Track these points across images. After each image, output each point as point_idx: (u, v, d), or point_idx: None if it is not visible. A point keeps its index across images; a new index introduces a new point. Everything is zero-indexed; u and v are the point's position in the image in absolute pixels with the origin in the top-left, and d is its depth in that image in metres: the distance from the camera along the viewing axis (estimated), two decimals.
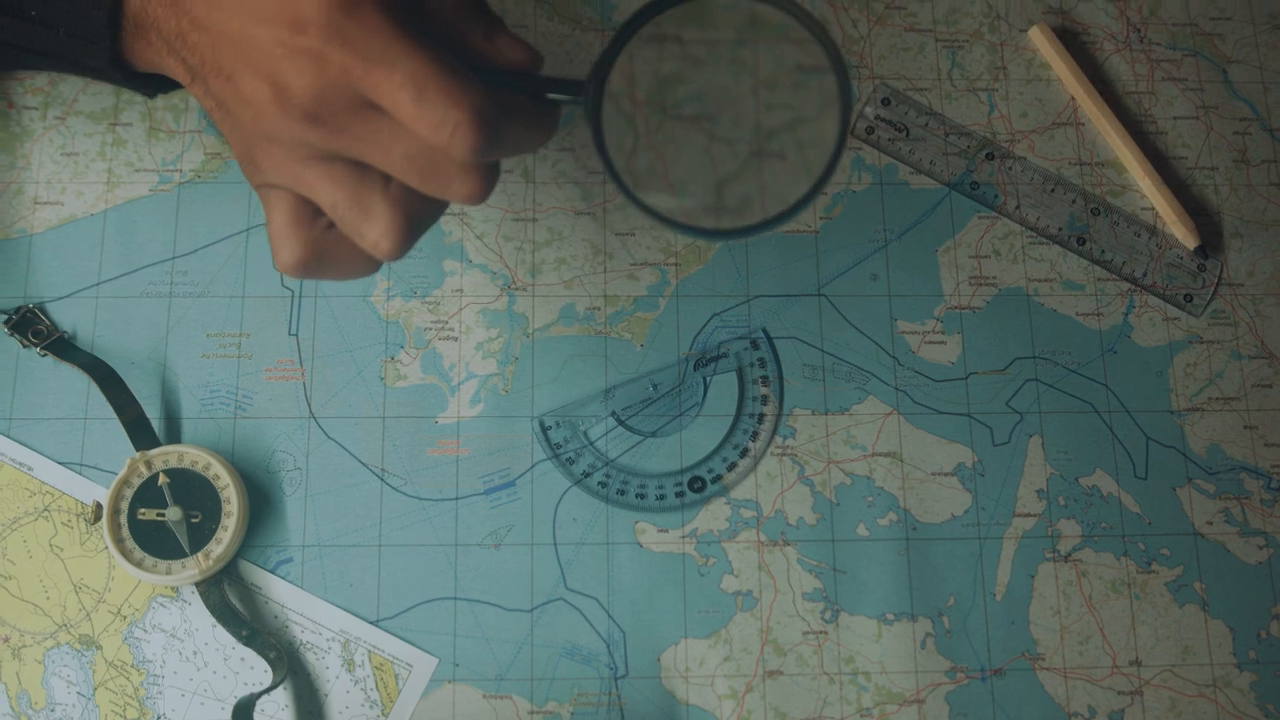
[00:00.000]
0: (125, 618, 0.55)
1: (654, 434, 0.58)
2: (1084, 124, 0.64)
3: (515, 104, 0.40)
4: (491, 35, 0.41)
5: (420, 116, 0.37)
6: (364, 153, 0.39)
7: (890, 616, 0.57)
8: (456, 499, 0.57)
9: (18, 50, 0.50)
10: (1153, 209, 0.62)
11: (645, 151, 0.42)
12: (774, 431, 0.59)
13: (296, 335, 0.59)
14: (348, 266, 0.43)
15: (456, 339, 0.59)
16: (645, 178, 0.41)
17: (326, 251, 0.42)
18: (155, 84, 0.56)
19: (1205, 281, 0.62)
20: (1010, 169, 0.63)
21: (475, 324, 0.60)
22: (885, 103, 0.63)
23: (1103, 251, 0.62)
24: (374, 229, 0.40)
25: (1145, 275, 0.61)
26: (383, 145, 0.38)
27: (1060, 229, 0.62)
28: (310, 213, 0.42)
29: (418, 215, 0.41)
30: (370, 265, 0.43)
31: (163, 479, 0.55)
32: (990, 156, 0.63)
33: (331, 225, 0.42)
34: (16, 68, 0.60)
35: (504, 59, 0.41)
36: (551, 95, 0.40)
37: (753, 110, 0.42)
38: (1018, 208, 0.62)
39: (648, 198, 0.40)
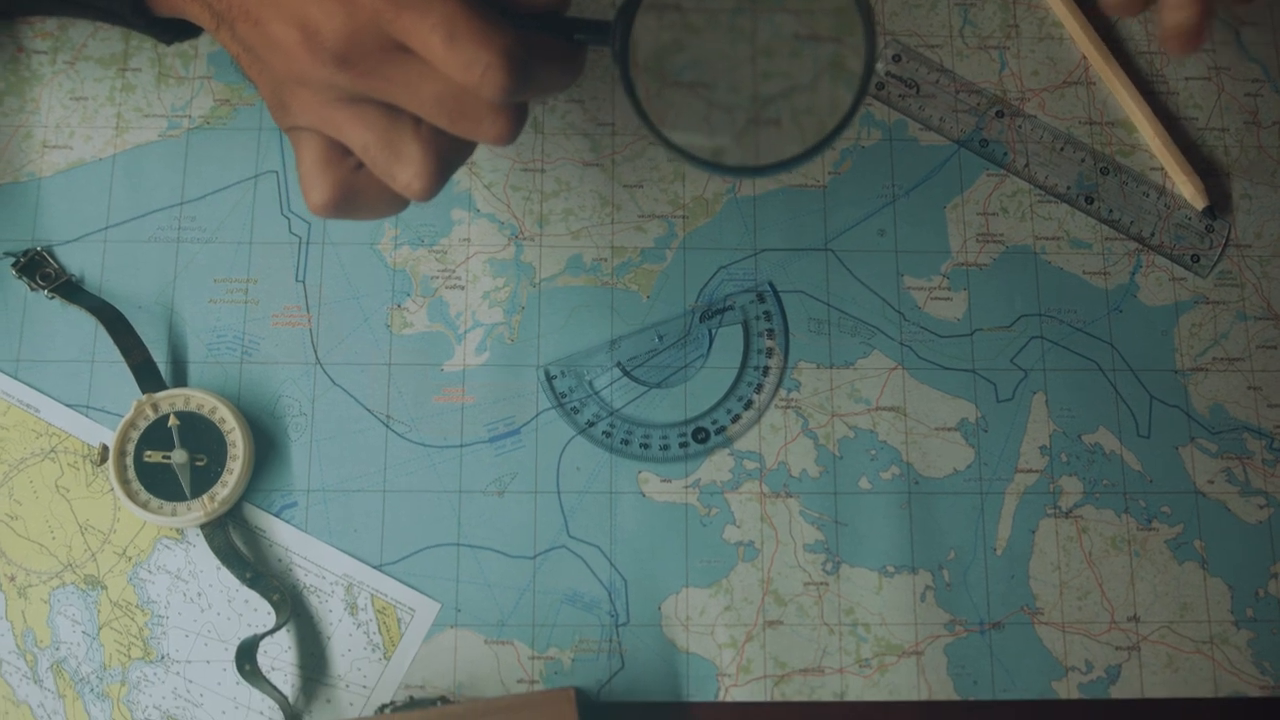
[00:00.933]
0: (130, 559, 0.56)
1: (659, 385, 0.59)
2: (1095, 83, 0.64)
3: (543, 45, 0.40)
4: None
5: (452, 59, 0.37)
6: (394, 95, 0.39)
7: (891, 569, 0.57)
8: (461, 446, 0.58)
9: None
10: (1162, 169, 0.62)
11: (672, 89, 0.42)
12: (778, 384, 0.59)
13: (304, 281, 0.59)
14: (377, 206, 0.43)
15: (463, 288, 0.60)
16: (671, 115, 0.41)
17: (356, 191, 0.43)
18: (173, 30, 0.56)
19: (1213, 243, 0.62)
20: (1020, 127, 0.62)
21: (482, 273, 0.60)
22: (896, 59, 0.63)
23: (1110, 210, 0.61)
24: (406, 170, 0.41)
25: (1153, 235, 0.61)
26: (413, 87, 0.39)
27: (1069, 188, 0.62)
28: (339, 153, 0.42)
29: (448, 156, 0.41)
30: (399, 204, 0.44)
31: (173, 420, 0.56)
32: (1000, 114, 0.63)
33: (360, 165, 0.42)
34: (37, 12, 0.60)
35: (531, 1, 0.41)
36: (578, 36, 0.40)
37: (784, 50, 0.42)
38: (1026, 165, 0.62)
39: (674, 135, 0.40)
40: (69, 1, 0.54)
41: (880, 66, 0.62)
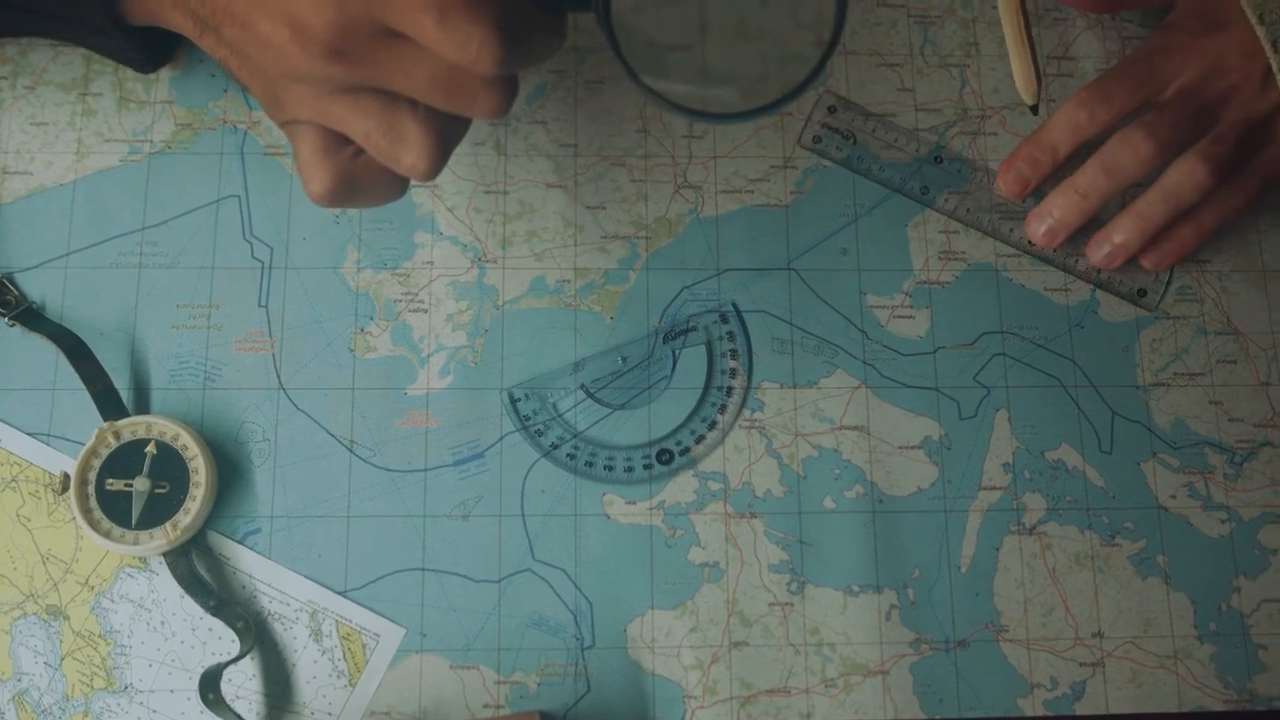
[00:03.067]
0: (93, 588, 0.55)
1: (623, 406, 0.59)
2: (1054, 100, 0.64)
3: (529, 14, 0.40)
4: None
5: (445, 39, 0.37)
6: (388, 80, 0.39)
7: (855, 588, 0.57)
8: (425, 470, 0.57)
9: (9, 9, 0.50)
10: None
11: (655, 42, 0.42)
12: (742, 404, 0.59)
13: (266, 306, 0.59)
14: (377, 191, 0.44)
15: (426, 311, 0.59)
16: (655, 66, 0.41)
17: (356, 178, 0.43)
18: (150, 51, 0.56)
19: (1158, 276, 0.62)
20: (959, 170, 0.62)
21: (445, 296, 0.60)
22: (832, 110, 0.62)
23: (1055, 251, 0.61)
24: (410, 153, 0.41)
25: (1099, 272, 0.61)
26: (406, 71, 0.39)
27: (1022, 237, 0.62)
28: (337, 141, 0.42)
29: (447, 134, 0.42)
30: (399, 189, 0.44)
31: (151, 448, 0.55)
32: (938, 160, 0.62)
33: (359, 152, 0.43)
34: (7, 33, 0.60)
35: None
36: (562, 3, 0.41)
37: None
38: (968, 211, 0.62)
39: (659, 84, 0.40)
40: (42, 16, 0.54)
41: (816, 119, 0.62)
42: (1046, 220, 0.60)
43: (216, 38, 0.42)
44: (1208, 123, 0.58)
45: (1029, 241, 0.61)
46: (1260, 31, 0.56)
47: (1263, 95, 0.58)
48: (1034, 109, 0.59)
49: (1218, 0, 0.60)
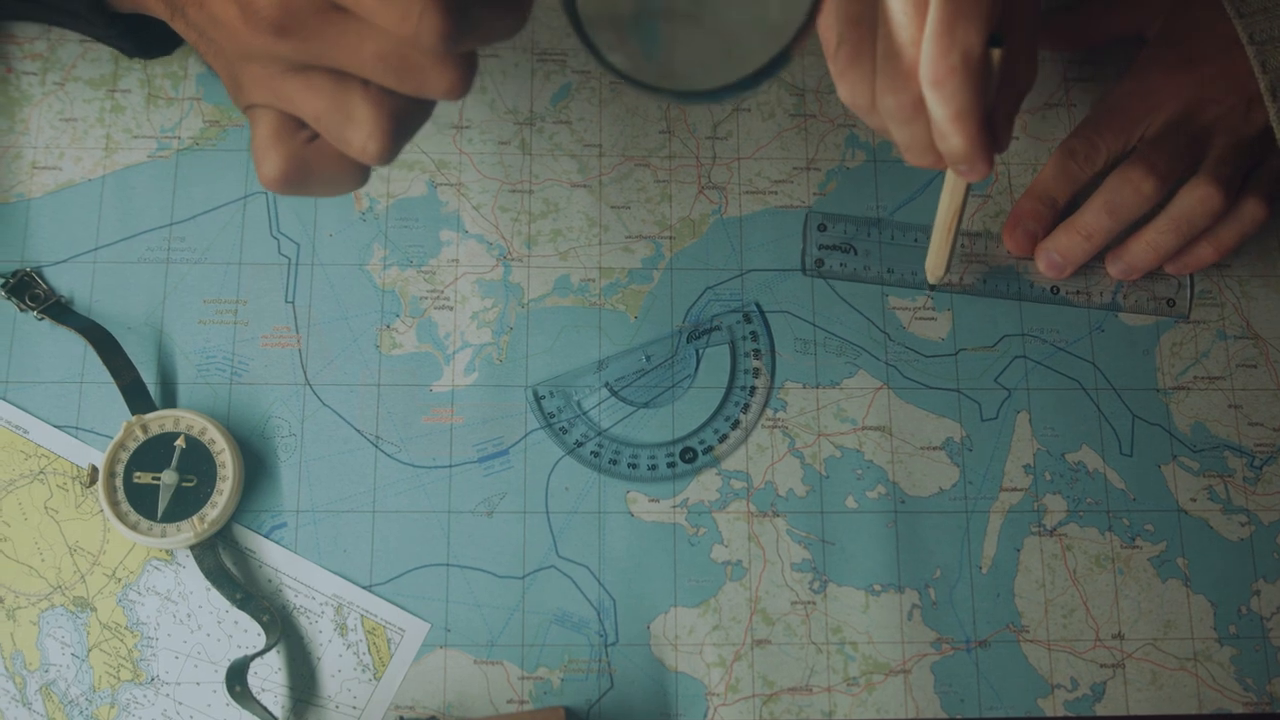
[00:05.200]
0: (120, 580, 0.56)
1: (646, 405, 0.59)
2: (1075, 105, 0.65)
3: None
4: None
5: (384, 8, 0.36)
6: (336, 58, 0.38)
7: (877, 588, 0.57)
8: (450, 466, 0.58)
9: None
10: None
11: (624, 19, 0.40)
12: (765, 404, 0.59)
13: (293, 302, 0.60)
14: (333, 178, 0.43)
15: (452, 308, 0.60)
16: (621, 46, 0.40)
17: (309, 163, 0.42)
18: (138, 38, 0.56)
19: (1181, 283, 0.62)
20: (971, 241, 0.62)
21: (471, 294, 0.60)
22: (821, 229, 0.62)
23: (1076, 292, 0.62)
24: (359, 133, 0.40)
25: (1122, 298, 0.62)
26: (353, 48, 0.38)
27: (1036, 287, 0.62)
28: (293, 127, 0.41)
29: (402, 116, 0.40)
30: (356, 177, 0.43)
31: (180, 442, 0.56)
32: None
33: (314, 137, 0.41)
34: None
35: None
36: None
37: None
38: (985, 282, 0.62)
39: (622, 63, 0.39)
40: (29, 1, 0.54)
41: (813, 243, 0.61)
42: (1052, 256, 0.60)
43: (185, 20, 0.42)
44: (1201, 151, 0.59)
45: (1032, 284, 0.61)
46: (1251, 51, 0.57)
47: (1248, 119, 0.59)
48: (932, 287, 0.61)
49: (1188, 37, 0.60)
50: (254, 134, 0.42)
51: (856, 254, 0.61)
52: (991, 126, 0.45)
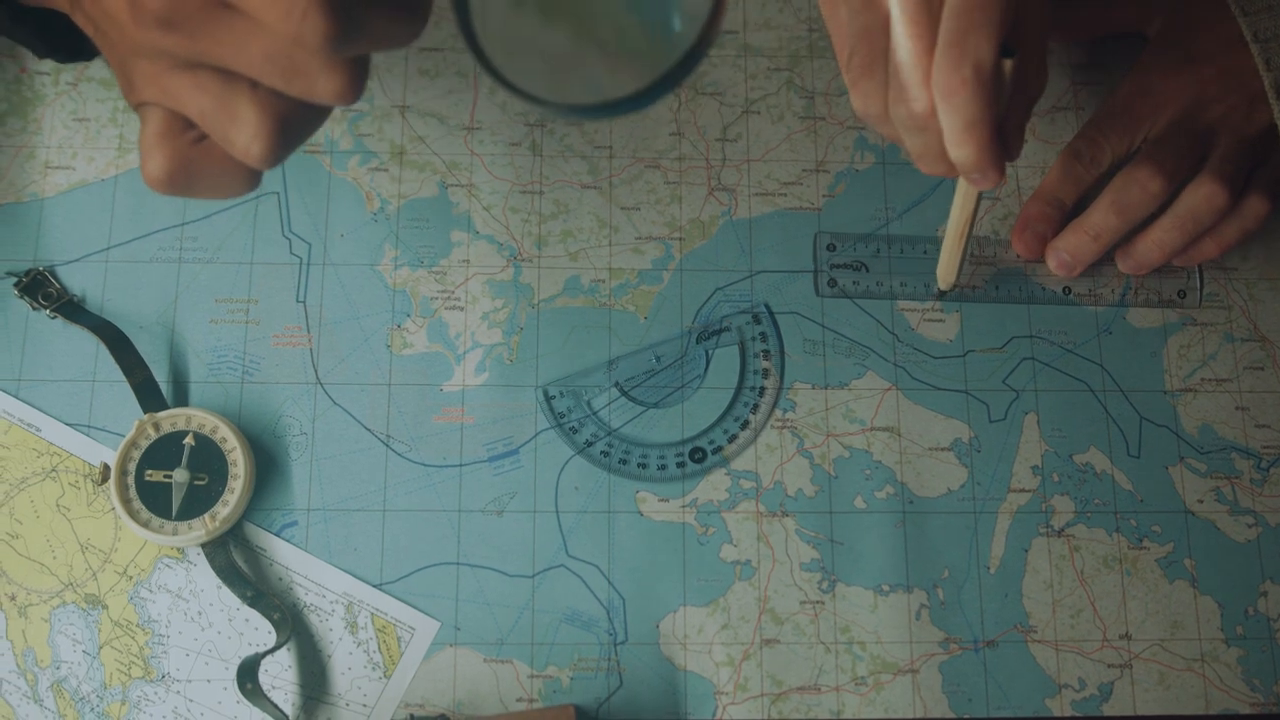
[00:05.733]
0: (131, 578, 0.56)
1: (656, 405, 0.59)
2: (1083, 108, 0.65)
3: None
4: None
5: (268, 6, 0.36)
6: (223, 56, 0.38)
7: (886, 588, 0.58)
8: (460, 466, 0.58)
9: None
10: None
11: (518, 30, 0.40)
12: (774, 404, 0.60)
13: (304, 302, 0.60)
14: (219, 180, 0.42)
15: (462, 308, 0.60)
16: (514, 56, 0.39)
17: (194, 163, 0.41)
18: (53, 37, 0.55)
19: (1190, 274, 0.63)
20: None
21: (481, 294, 0.60)
22: (830, 248, 0.62)
23: (1088, 290, 0.62)
24: (243, 133, 0.39)
25: (1130, 294, 0.62)
26: (240, 46, 0.37)
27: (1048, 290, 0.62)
28: (180, 126, 0.41)
29: (289, 119, 0.40)
30: (245, 182, 0.42)
31: (190, 440, 0.56)
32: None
33: (201, 138, 0.41)
34: None
35: None
36: None
37: None
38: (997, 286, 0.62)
39: (520, 78, 0.38)
40: None
41: (825, 263, 0.61)
42: (1062, 256, 0.60)
43: (83, 13, 0.41)
44: (1205, 150, 0.59)
45: (1046, 287, 0.61)
46: (1255, 49, 0.57)
47: (1251, 118, 0.59)
48: (942, 294, 0.61)
49: (1190, 36, 0.61)
50: (142, 131, 0.41)
51: (869, 271, 0.61)
52: (1003, 136, 0.45)
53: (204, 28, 0.37)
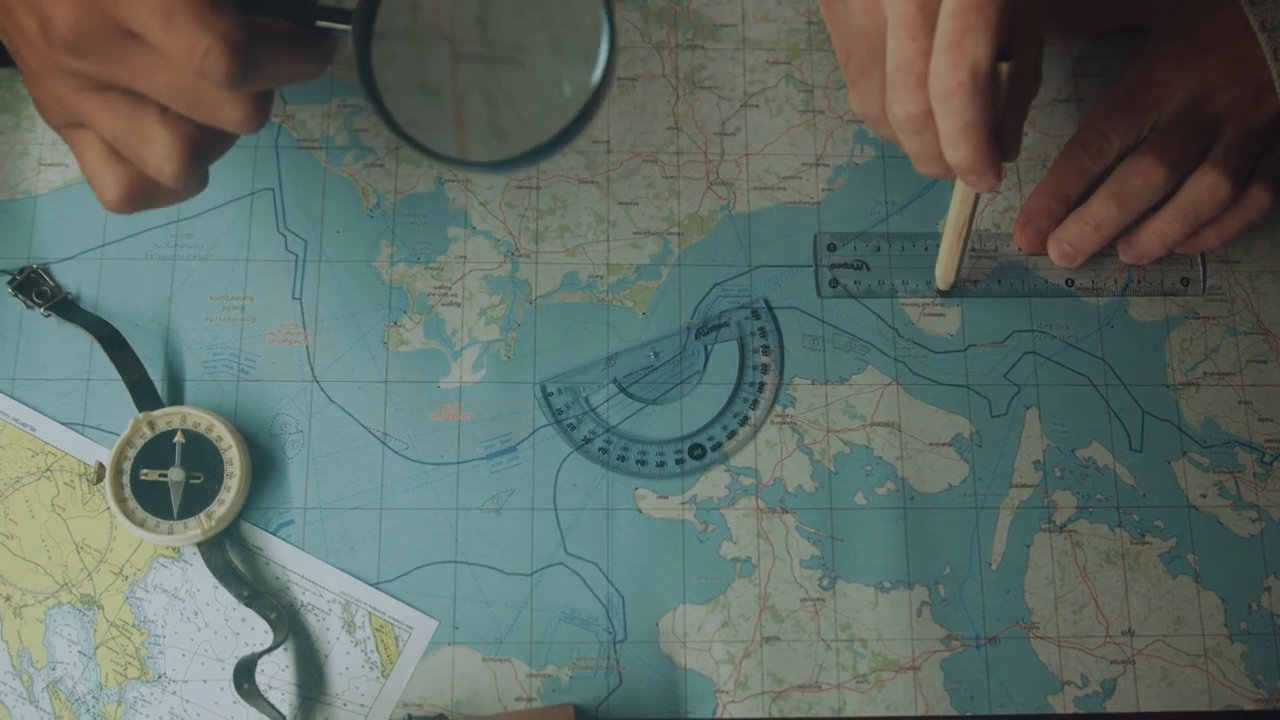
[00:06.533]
0: (127, 578, 0.56)
1: (655, 401, 0.59)
2: (1084, 100, 0.64)
3: (280, 31, 0.40)
4: None
5: (170, 42, 0.37)
6: (131, 80, 0.39)
7: (887, 584, 0.57)
8: (458, 463, 0.58)
9: None
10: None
11: (417, 84, 0.41)
12: (774, 400, 0.59)
13: (300, 299, 0.59)
14: (171, 192, 0.43)
15: (459, 305, 0.60)
16: (409, 107, 0.41)
17: (146, 180, 0.42)
18: None
19: (1192, 261, 0.62)
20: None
21: (478, 290, 0.60)
22: (831, 248, 0.61)
23: (1091, 280, 0.62)
24: (154, 155, 0.40)
25: (1133, 284, 0.62)
26: (146, 73, 0.38)
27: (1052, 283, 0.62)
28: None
29: (200, 141, 0.41)
30: (198, 185, 0.43)
31: (179, 438, 0.56)
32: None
33: None
34: None
35: None
36: (320, 22, 0.40)
37: (529, 46, 0.42)
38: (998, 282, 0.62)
39: (420, 133, 0.40)
40: None
41: (825, 263, 0.61)
42: (1063, 246, 0.60)
43: (3, 31, 0.42)
44: (1209, 140, 0.58)
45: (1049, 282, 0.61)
46: (1263, 39, 0.57)
47: (1257, 108, 0.58)
48: (943, 292, 0.61)
49: (1197, 26, 0.60)
50: (82, 158, 0.42)
51: (869, 270, 0.61)
52: (1000, 138, 0.45)
53: (113, 55, 0.38)
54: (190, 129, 0.40)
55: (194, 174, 0.41)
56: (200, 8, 0.37)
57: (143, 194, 0.42)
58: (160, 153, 0.40)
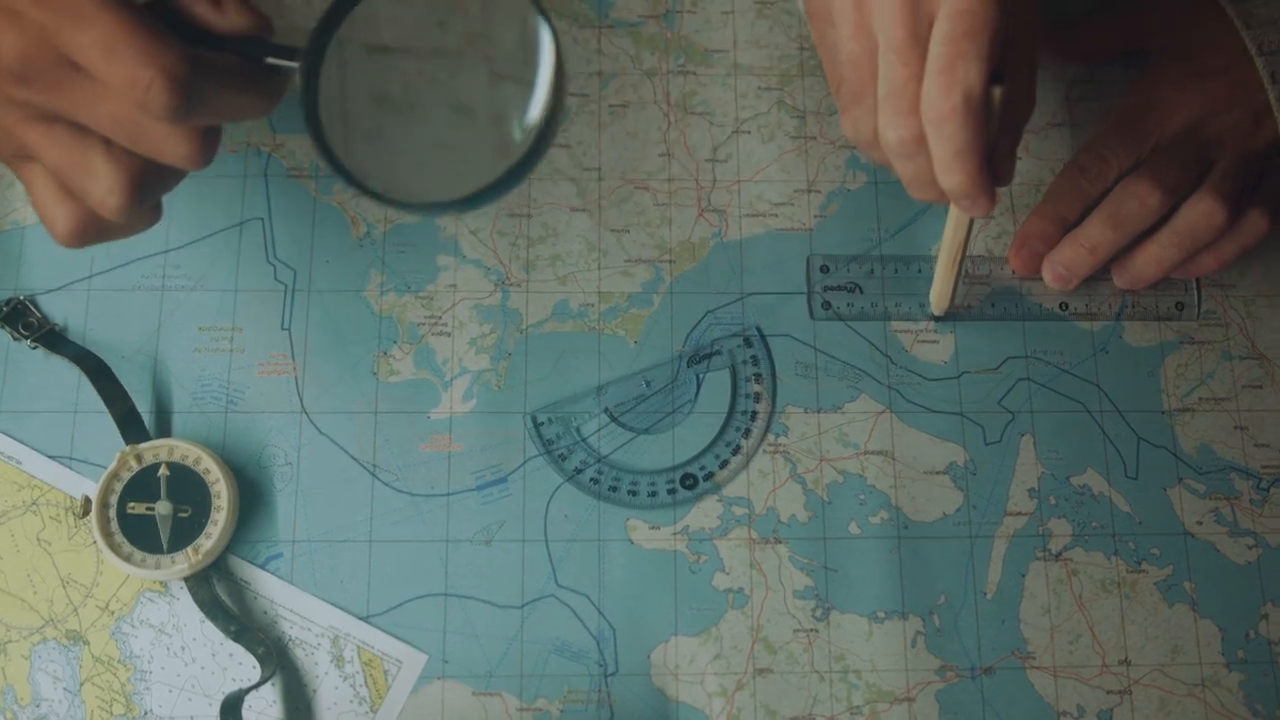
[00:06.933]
0: (113, 613, 0.55)
1: (646, 431, 0.58)
2: (1077, 125, 0.64)
3: (227, 67, 0.40)
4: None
5: (113, 75, 0.37)
6: (75, 113, 0.39)
7: (881, 615, 0.57)
8: (448, 495, 0.57)
9: None
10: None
11: (362, 126, 0.41)
12: (766, 429, 0.59)
13: (289, 330, 0.59)
14: (123, 225, 0.43)
15: (450, 334, 0.59)
16: (363, 154, 0.40)
17: (96, 218, 0.42)
18: None
19: (1187, 286, 0.62)
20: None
21: (469, 319, 0.60)
22: (824, 270, 0.61)
23: (1085, 305, 0.61)
24: (98, 187, 0.40)
25: (1127, 308, 0.61)
26: (90, 105, 0.38)
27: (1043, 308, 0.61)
28: None
29: (145, 175, 0.41)
30: (149, 217, 0.43)
31: (164, 470, 0.55)
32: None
33: None
34: None
35: (226, 24, 0.40)
36: (270, 60, 0.40)
37: (467, 78, 0.41)
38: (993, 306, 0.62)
39: (364, 174, 0.40)
40: None
41: (818, 285, 0.60)
42: (1058, 269, 0.60)
43: None
44: (1205, 164, 0.58)
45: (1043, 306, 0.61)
46: (1260, 63, 0.56)
47: (1256, 133, 0.58)
48: (937, 318, 0.60)
49: (1197, 50, 0.60)
50: (31, 191, 0.42)
51: (863, 292, 0.60)
52: (993, 163, 0.45)
53: (57, 86, 0.38)
54: (135, 162, 0.40)
55: (138, 207, 0.41)
56: (143, 40, 0.37)
57: (93, 229, 0.42)
58: (103, 186, 0.40)
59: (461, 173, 0.40)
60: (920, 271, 0.61)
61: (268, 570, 0.56)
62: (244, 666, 0.55)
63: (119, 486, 0.55)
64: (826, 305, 0.60)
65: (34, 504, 0.56)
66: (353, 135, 0.40)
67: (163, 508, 0.55)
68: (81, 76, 0.38)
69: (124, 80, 0.37)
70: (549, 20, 0.39)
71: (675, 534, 0.57)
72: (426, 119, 0.41)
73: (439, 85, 0.41)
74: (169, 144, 0.39)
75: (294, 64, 0.40)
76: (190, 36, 0.39)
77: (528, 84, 0.39)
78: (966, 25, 0.42)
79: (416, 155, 0.41)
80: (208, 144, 0.40)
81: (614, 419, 0.59)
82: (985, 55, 0.42)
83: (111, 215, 0.40)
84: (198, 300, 0.59)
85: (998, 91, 0.42)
